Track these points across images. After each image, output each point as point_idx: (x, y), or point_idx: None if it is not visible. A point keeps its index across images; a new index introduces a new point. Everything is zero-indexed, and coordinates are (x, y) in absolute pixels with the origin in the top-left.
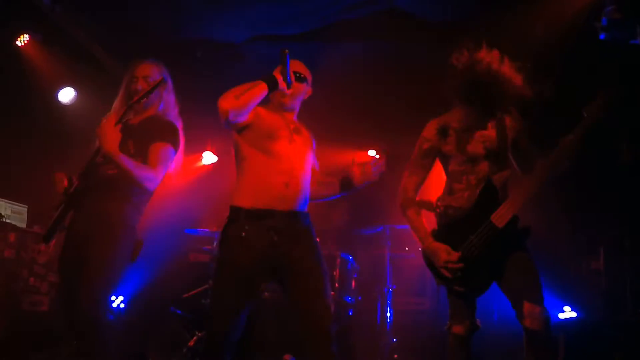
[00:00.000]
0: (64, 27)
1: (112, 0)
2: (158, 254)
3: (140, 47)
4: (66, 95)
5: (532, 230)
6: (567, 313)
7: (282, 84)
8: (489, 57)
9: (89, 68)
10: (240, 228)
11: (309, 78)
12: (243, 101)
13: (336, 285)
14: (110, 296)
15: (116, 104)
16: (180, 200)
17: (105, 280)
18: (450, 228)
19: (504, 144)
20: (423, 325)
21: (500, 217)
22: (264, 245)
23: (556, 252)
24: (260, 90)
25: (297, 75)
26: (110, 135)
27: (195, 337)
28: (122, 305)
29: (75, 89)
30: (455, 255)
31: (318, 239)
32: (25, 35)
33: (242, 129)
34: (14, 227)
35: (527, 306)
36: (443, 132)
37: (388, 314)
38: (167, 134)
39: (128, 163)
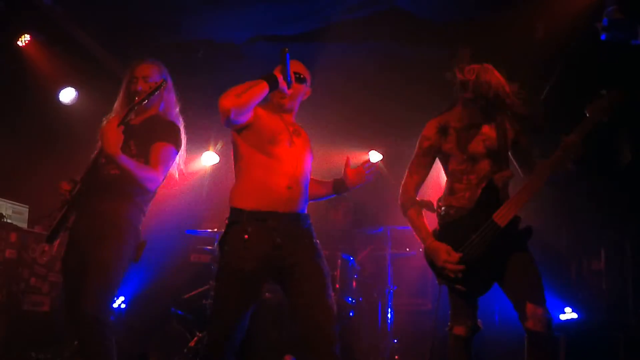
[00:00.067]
0: (65, 27)
1: (113, 0)
2: (159, 254)
3: (141, 47)
4: (67, 95)
5: (533, 231)
6: (568, 314)
7: (282, 83)
8: (495, 80)
9: (90, 68)
10: (243, 230)
11: (308, 78)
12: (244, 100)
13: (337, 286)
14: (113, 296)
15: (117, 104)
16: (181, 201)
17: (108, 280)
18: (452, 228)
19: (505, 142)
20: (424, 326)
21: (502, 217)
22: (266, 247)
23: (557, 253)
24: (261, 89)
25: (297, 75)
26: (112, 136)
27: (196, 338)
28: (123, 306)
29: (76, 89)
30: (455, 256)
31: (318, 241)
32: (26, 35)
33: (242, 130)
34: (15, 228)
35: (529, 308)
36: (443, 131)
37: (389, 315)
38: (169, 134)
39: (129, 164)
